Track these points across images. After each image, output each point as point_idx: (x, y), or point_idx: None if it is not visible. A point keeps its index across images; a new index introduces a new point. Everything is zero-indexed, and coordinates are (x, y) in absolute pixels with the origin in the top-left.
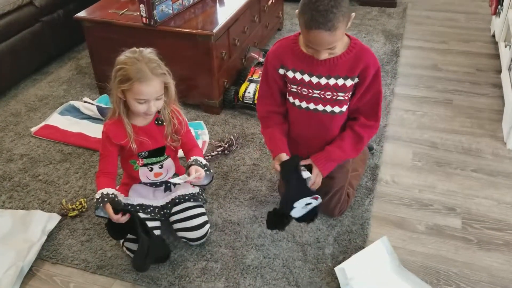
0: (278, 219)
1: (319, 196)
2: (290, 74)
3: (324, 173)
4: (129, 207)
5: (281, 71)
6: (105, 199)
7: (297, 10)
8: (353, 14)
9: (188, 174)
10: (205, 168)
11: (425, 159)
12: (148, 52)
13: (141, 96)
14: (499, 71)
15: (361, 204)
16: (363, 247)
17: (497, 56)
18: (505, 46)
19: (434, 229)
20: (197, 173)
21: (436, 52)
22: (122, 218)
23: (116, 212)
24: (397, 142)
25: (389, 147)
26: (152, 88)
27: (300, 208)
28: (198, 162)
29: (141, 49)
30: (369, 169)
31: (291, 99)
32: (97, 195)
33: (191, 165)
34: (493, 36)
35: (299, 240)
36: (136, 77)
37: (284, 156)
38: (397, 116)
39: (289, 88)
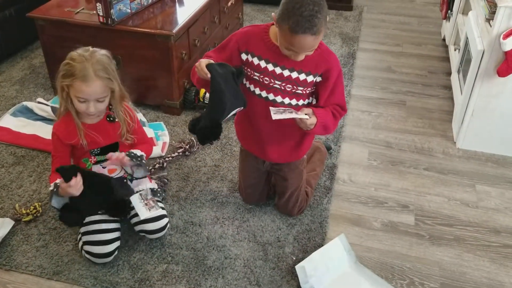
0: (215, 130)
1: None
2: (255, 60)
3: (318, 122)
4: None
5: (244, 57)
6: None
7: (273, 14)
8: (328, 17)
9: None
10: (139, 160)
11: (380, 158)
12: (101, 54)
13: (80, 94)
14: (449, 73)
15: (320, 203)
16: (322, 245)
17: (447, 59)
18: (455, 50)
19: (389, 226)
20: (116, 155)
21: (390, 55)
22: (77, 180)
23: (67, 180)
24: (354, 142)
25: (346, 147)
26: (92, 89)
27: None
28: (132, 154)
29: (94, 49)
30: (327, 168)
31: (251, 87)
32: (51, 187)
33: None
34: (444, 39)
35: (260, 240)
36: (78, 75)
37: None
38: (353, 117)
39: (251, 75)
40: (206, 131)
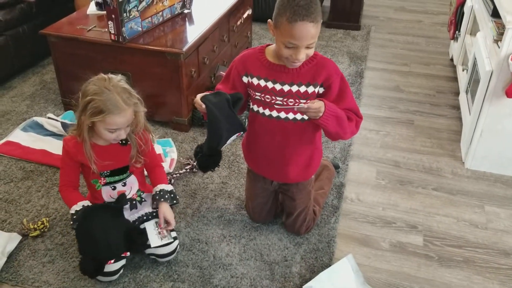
0: (213, 158)
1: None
2: (255, 81)
3: (327, 110)
4: None
5: (245, 79)
6: None
7: (269, 20)
8: (321, 20)
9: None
10: (172, 195)
11: (388, 177)
12: (118, 80)
13: (113, 126)
14: (457, 93)
15: (327, 222)
16: (329, 265)
17: (455, 79)
18: (463, 70)
19: (397, 246)
20: (168, 226)
21: (398, 74)
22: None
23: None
24: (361, 161)
25: (354, 165)
26: (125, 119)
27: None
28: (167, 196)
29: (110, 76)
30: (334, 187)
31: (255, 107)
32: (77, 208)
33: (159, 200)
34: (452, 59)
35: (267, 259)
36: (109, 109)
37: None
38: (361, 136)
39: (253, 96)
40: (205, 159)
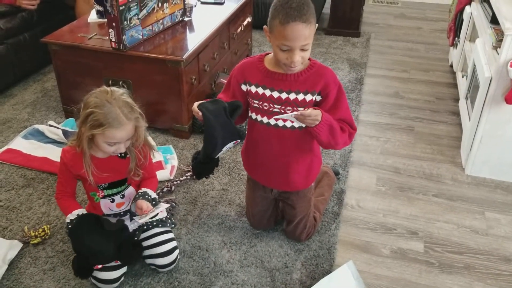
0: (208, 165)
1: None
2: (253, 88)
3: (323, 119)
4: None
5: (244, 87)
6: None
7: (264, 26)
8: (317, 25)
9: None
10: (153, 203)
11: (388, 184)
12: (121, 93)
13: (113, 140)
14: (457, 100)
15: (328, 229)
16: (330, 272)
17: (455, 85)
18: (462, 76)
19: (398, 253)
20: (147, 209)
21: (398, 81)
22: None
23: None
24: (362, 167)
25: (354, 172)
26: (125, 133)
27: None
28: (146, 197)
29: (113, 89)
30: (335, 193)
31: (253, 115)
32: (71, 217)
33: (138, 198)
34: (451, 66)
35: (267, 266)
36: (109, 123)
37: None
38: (361, 142)
39: (251, 103)
40: (199, 166)
